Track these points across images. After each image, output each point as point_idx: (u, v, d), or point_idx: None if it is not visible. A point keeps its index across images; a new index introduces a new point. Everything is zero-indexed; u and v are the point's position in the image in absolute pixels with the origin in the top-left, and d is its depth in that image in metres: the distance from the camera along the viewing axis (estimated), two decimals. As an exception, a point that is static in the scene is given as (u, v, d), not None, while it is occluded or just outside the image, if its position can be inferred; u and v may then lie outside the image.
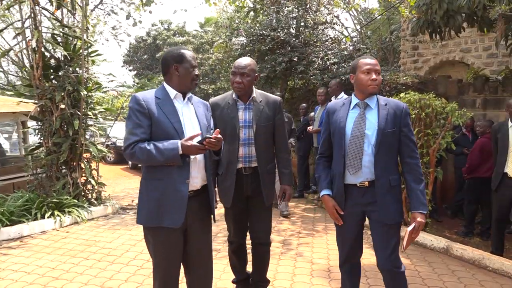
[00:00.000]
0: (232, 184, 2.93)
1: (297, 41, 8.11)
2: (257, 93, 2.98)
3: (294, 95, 8.87)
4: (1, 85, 18.18)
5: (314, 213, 6.26)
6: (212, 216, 2.52)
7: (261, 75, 8.08)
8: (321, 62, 7.80)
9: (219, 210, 3.11)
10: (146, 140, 2.22)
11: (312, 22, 8.36)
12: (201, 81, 22.48)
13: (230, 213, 3.08)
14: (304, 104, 7.92)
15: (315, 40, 8.38)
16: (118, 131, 13.36)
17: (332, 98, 6.18)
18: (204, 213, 2.45)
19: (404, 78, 7.55)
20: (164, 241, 2.30)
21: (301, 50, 7.99)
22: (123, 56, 26.18)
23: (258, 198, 2.96)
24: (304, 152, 7.53)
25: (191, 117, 2.39)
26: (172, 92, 2.35)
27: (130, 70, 26.56)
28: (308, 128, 6.86)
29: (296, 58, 7.83)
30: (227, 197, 2.97)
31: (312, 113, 7.09)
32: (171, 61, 2.32)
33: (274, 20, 8.42)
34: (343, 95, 6.03)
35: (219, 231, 5.22)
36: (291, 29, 8.64)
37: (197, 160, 2.34)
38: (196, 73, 2.36)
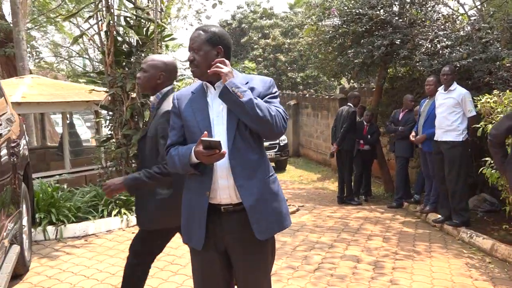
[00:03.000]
0: None
1: (400, 20, 7.43)
2: (166, 97, 2.71)
3: (395, 85, 8.19)
4: (87, 72, 19.60)
5: (415, 228, 5.66)
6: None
7: (356, 61, 7.55)
8: (429, 46, 7.06)
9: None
10: (180, 144, 2.12)
11: (420, -2, 7.62)
12: (288, 68, 22.25)
13: None
14: (365, 107, 7.59)
15: (423, 19, 7.63)
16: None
17: (440, 89, 5.51)
18: (248, 233, 2.08)
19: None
20: (195, 262, 2.20)
21: (405, 32, 7.30)
22: (206, 42, 26.82)
23: None
24: (405, 153, 6.87)
25: (221, 111, 2.06)
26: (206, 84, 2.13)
27: (213, 57, 27.16)
28: (412, 135, 6.23)
29: (398, 41, 7.17)
30: None
31: (417, 107, 6.45)
32: None
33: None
34: (456, 86, 5.34)
35: (300, 243, 4.90)
36: (394, 7, 7.97)
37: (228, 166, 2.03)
38: None
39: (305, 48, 10.75)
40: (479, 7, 11.97)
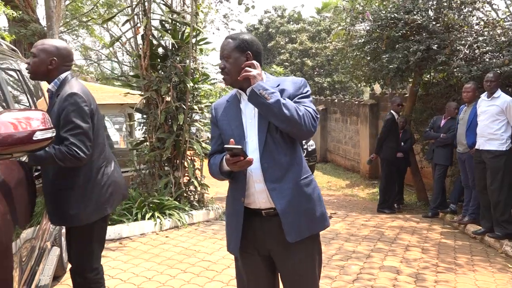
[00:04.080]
0: None
1: (437, 25, 7.26)
2: (64, 84, 2.57)
3: (430, 91, 7.99)
4: (116, 75, 19.88)
5: (454, 240, 5.47)
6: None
7: (390, 66, 7.40)
8: (468, 51, 6.87)
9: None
10: (220, 152, 2.14)
11: (458, 1, 7.40)
12: (315, 73, 22.12)
13: None
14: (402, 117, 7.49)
15: (461, 24, 7.42)
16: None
17: (483, 96, 5.33)
18: None
19: None
20: (238, 267, 2.21)
21: (442, 37, 7.13)
22: (233, 46, 26.91)
23: None
24: (446, 161, 6.67)
25: (254, 116, 2.07)
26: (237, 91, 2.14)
27: (239, 61, 27.24)
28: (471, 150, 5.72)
29: (435, 46, 7.00)
30: None
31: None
32: None
33: (409, 1, 7.65)
34: (500, 93, 5.15)
35: (336, 252, 4.79)
36: (430, 11, 7.79)
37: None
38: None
39: (334, 53, 10.62)
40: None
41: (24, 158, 2.43)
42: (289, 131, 1.99)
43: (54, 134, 2.10)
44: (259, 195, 2.03)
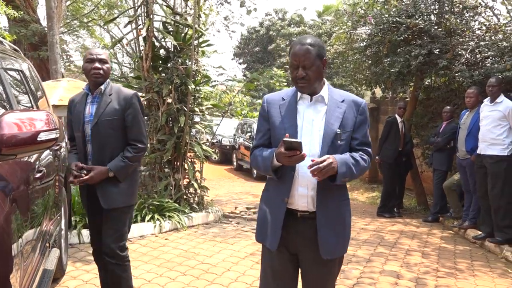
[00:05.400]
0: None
1: (439, 29, 7.28)
2: (110, 86, 3.01)
3: (431, 95, 8.00)
4: (115, 76, 19.89)
5: (454, 244, 5.48)
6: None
7: (392, 70, 7.42)
8: (469, 56, 6.89)
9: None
10: (264, 146, 2.17)
11: (460, 6, 7.42)
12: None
13: None
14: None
15: (464, 28, 7.45)
16: (224, 129, 13.60)
17: (485, 101, 5.34)
18: None
19: None
20: (267, 261, 2.24)
21: (444, 41, 7.15)
22: (234, 48, 26.97)
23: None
24: (442, 166, 6.68)
25: (315, 120, 2.06)
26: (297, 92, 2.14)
27: (240, 63, 27.29)
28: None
29: (437, 50, 7.02)
30: None
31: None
32: None
33: (411, 5, 7.67)
34: (503, 98, 5.16)
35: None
36: (432, 16, 7.81)
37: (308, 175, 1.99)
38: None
39: (335, 56, 10.59)
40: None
41: (27, 158, 2.43)
42: None
43: (58, 135, 2.10)
44: (300, 199, 2.07)
